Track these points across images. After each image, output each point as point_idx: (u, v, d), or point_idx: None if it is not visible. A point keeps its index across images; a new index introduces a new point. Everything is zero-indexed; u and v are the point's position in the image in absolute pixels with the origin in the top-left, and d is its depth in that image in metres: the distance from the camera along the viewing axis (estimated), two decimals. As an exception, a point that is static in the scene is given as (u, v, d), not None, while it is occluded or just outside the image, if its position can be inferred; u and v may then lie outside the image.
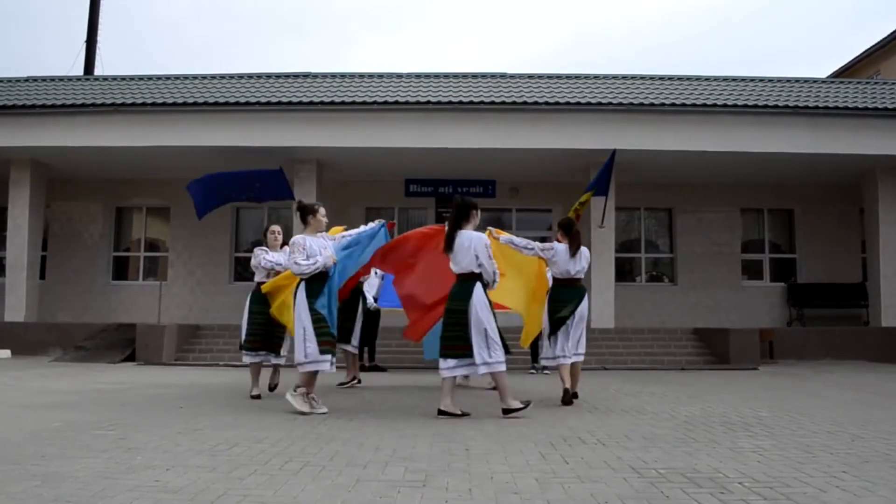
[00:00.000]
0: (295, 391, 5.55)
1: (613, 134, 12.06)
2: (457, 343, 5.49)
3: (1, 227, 14.13)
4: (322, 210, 5.90)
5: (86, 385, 7.80)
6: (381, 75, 13.66)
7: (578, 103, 12.23)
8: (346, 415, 5.47)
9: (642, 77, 13.63)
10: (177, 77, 13.79)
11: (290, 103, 12.23)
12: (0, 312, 13.09)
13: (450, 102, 12.18)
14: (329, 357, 5.56)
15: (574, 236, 6.55)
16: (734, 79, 13.65)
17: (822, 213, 15.00)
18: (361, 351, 9.35)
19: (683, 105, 12.29)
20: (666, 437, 4.65)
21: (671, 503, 3.06)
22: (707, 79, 13.65)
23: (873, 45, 21.53)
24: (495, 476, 3.52)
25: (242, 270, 15.04)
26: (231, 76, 13.75)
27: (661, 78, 13.61)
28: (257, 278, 6.79)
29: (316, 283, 5.63)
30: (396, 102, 12.20)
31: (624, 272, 14.94)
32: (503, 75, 13.82)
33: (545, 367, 9.46)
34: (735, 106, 12.25)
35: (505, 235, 6.57)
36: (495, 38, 75.81)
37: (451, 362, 5.50)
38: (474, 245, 5.51)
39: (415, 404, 6.35)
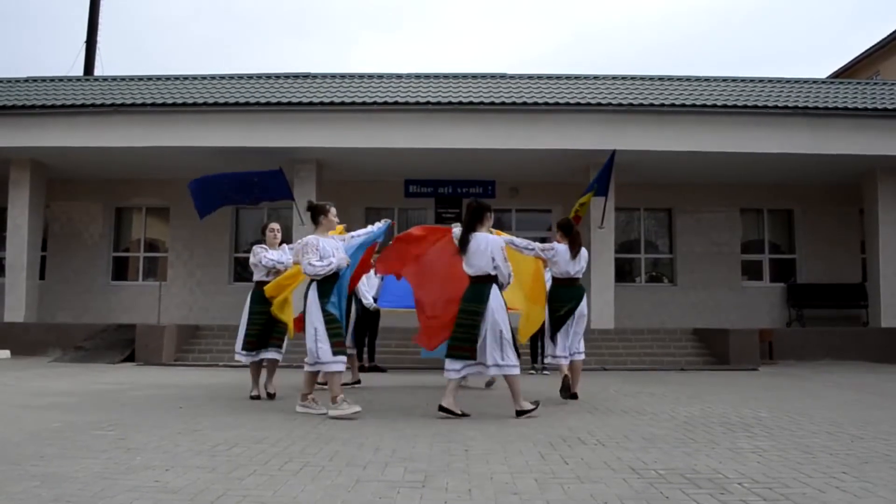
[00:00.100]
0: (333, 404, 5.43)
1: (613, 134, 12.06)
2: (464, 344, 5.50)
3: (1, 228, 14.13)
4: (333, 210, 5.86)
5: (85, 385, 7.80)
6: (380, 75, 13.66)
7: (578, 104, 12.23)
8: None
9: (642, 77, 13.63)
10: (177, 77, 13.78)
11: (290, 103, 12.23)
12: (0, 312, 13.09)
13: (449, 103, 12.18)
14: (342, 358, 5.52)
15: (574, 237, 6.63)
16: (734, 79, 13.65)
17: (821, 213, 15.00)
18: (360, 351, 9.36)
19: (683, 105, 12.29)
20: (665, 437, 4.66)
21: (671, 503, 3.06)
22: (707, 79, 13.66)
23: (873, 46, 21.53)
24: (495, 476, 3.52)
25: (242, 271, 15.04)
26: (231, 76, 13.75)
27: (661, 78, 13.61)
28: (256, 277, 6.72)
29: (327, 283, 5.60)
30: (396, 102, 12.19)
31: (624, 273, 14.94)
32: (503, 75, 13.81)
33: (545, 368, 9.50)
34: (735, 106, 12.25)
35: (505, 236, 6.58)
36: (495, 38, 75.86)
37: (458, 364, 5.51)
38: (491, 247, 5.55)
39: (415, 404, 6.35)
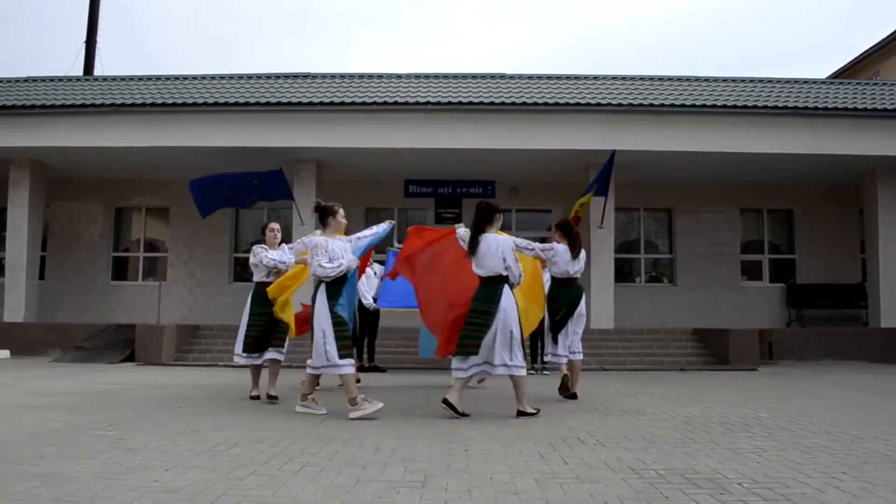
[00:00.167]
0: (352, 406, 5.40)
1: (613, 134, 12.06)
2: (469, 342, 5.52)
3: (1, 227, 14.12)
4: (342, 211, 5.82)
5: (85, 385, 7.80)
6: (380, 75, 13.66)
7: (578, 104, 12.23)
8: (346, 415, 5.46)
9: (642, 77, 13.63)
10: (177, 77, 13.78)
11: (290, 103, 12.23)
12: (0, 312, 13.09)
13: (449, 103, 12.18)
14: (349, 361, 5.47)
15: (574, 238, 6.69)
16: (734, 79, 13.65)
17: (821, 213, 15.00)
18: (360, 351, 9.36)
19: (683, 105, 12.29)
20: (665, 437, 4.66)
21: (670, 503, 3.06)
22: (707, 79, 13.66)
23: (873, 46, 21.53)
24: (495, 476, 3.52)
25: (242, 271, 15.04)
26: (231, 76, 13.75)
27: (661, 78, 13.61)
28: (257, 277, 6.63)
29: (336, 285, 5.56)
30: (396, 103, 12.20)
31: (623, 273, 14.94)
32: (503, 76, 13.82)
33: (545, 368, 9.52)
34: (735, 106, 12.25)
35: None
36: (495, 38, 75.88)
37: (465, 364, 5.52)
38: (502, 248, 5.57)
39: (415, 404, 6.35)
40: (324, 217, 5.78)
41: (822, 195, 14.92)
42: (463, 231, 6.05)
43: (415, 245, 6.58)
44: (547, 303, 6.79)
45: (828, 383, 8.58)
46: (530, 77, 13.68)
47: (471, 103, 12.18)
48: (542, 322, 7.09)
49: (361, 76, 13.65)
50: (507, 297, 5.53)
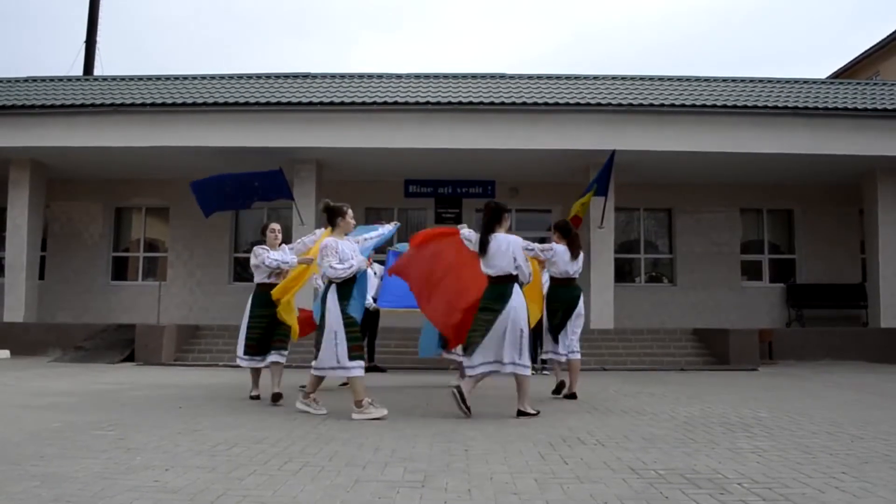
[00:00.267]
0: (358, 408, 5.39)
1: (613, 134, 12.06)
2: (475, 338, 5.58)
3: (1, 228, 14.12)
4: (351, 212, 5.80)
5: (85, 385, 7.80)
6: (380, 75, 13.66)
7: (578, 104, 12.23)
8: (346, 415, 5.46)
9: (642, 77, 13.63)
10: (177, 77, 13.78)
11: (290, 103, 12.23)
12: (0, 312, 13.09)
13: (449, 103, 12.18)
14: (359, 363, 5.44)
15: (573, 239, 6.76)
16: (734, 79, 13.65)
17: (821, 213, 15.00)
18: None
19: (683, 105, 12.29)
20: (665, 437, 4.66)
21: (670, 503, 3.06)
22: (707, 79, 13.66)
23: (873, 46, 21.53)
24: (495, 476, 3.52)
25: (242, 271, 15.04)
26: (231, 76, 13.75)
27: (661, 78, 13.61)
28: (258, 279, 6.56)
29: (346, 286, 5.54)
30: (396, 103, 12.19)
31: (623, 273, 14.94)
32: (503, 76, 13.81)
33: (544, 368, 9.52)
34: (735, 106, 12.24)
35: (476, 235, 6.61)
36: (495, 38, 75.87)
37: (475, 361, 5.55)
38: (512, 247, 5.60)
39: (415, 404, 6.36)
40: (333, 218, 5.73)
41: (822, 195, 14.92)
42: (468, 232, 6.08)
43: (417, 240, 6.60)
44: (546, 303, 6.84)
45: (828, 383, 8.58)
46: (530, 77, 13.68)
47: (471, 103, 12.18)
48: (539, 322, 7.12)
49: (361, 76, 13.65)
50: (518, 297, 5.57)
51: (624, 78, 13.61)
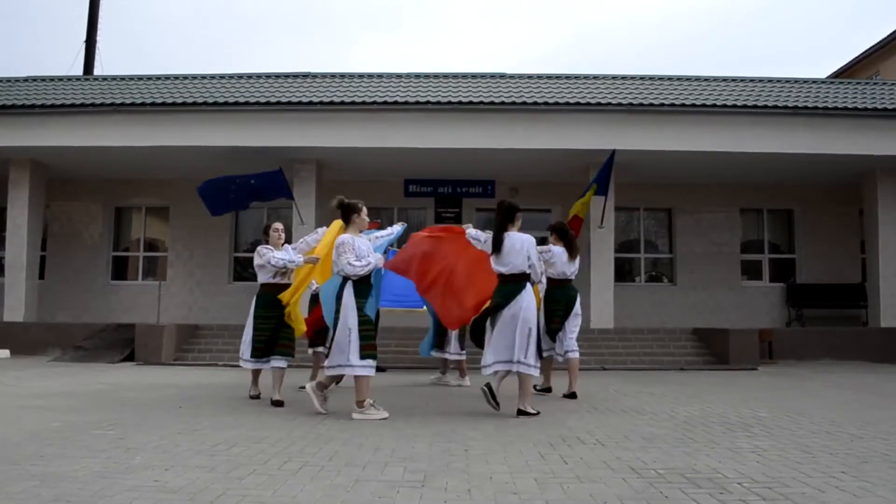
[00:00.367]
0: (359, 408, 5.38)
1: (613, 134, 12.05)
2: (481, 334, 5.68)
3: (0, 227, 14.12)
4: (365, 209, 5.76)
5: (85, 385, 7.80)
6: (380, 75, 13.66)
7: (578, 103, 12.22)
8: (346, 415, 5.46)
9: (642, 77, 13.63)
10: (177, 77, 13.77)
11: (289, 103, 12.22)
12: (0, 312, 13.09)
13: (449, 102, 12.17)
14: (370, 362, 5.42)
15: (570, 240, 6.83)
16: (734, 79, 13.64)
17: (821, 213, 15.00)
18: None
19: (683, 105, 12.28)
20: (665, 437, 4.66)
21: (670, 503, 3.06)
22: (707, 79, 13.65)
23: (873, 46, 21.52)
24: (494, 476, 3.52)
25: (242, 271, 15.05)
26: (231, 76, 13.74)
27: (661, 78, 13.60)
28: (262, 279, 6.39)
29: (363, 283, 5.52)
30: (396, 102, 12.19)
31: (623, 272, 14.94)
32: (502, 75, 13.81)
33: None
34: (735, 106, 12.24)
35: (485, 235, 6.64)
36: (495, 38, 75.88)
37: (489, 360, 5.61)
38: (526, 246, 5.64)
39: (415, 404, 6.36)
40: (348, 214, 5.70)
41: (822, 195, 14.92)
42: (475, 232, 6.11)
43: (417, 237, 6.61)
44: (543, 303, 6.87)
45: (828, 383, 8.58)
46: (530, 77, 13.68)
47: (470, 103, 12.18)
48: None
49: (361, 76, 13.64)
50: (529, 295, 5.61)
51: (624, 78, 13.60)
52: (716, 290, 14.71)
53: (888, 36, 20.78)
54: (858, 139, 12.29)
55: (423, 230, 6.82)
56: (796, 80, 13.76)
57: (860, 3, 60.24)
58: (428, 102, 12.15)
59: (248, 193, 11.53)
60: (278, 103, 12.24)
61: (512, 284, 5.59)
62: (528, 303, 5.56)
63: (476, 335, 5.83)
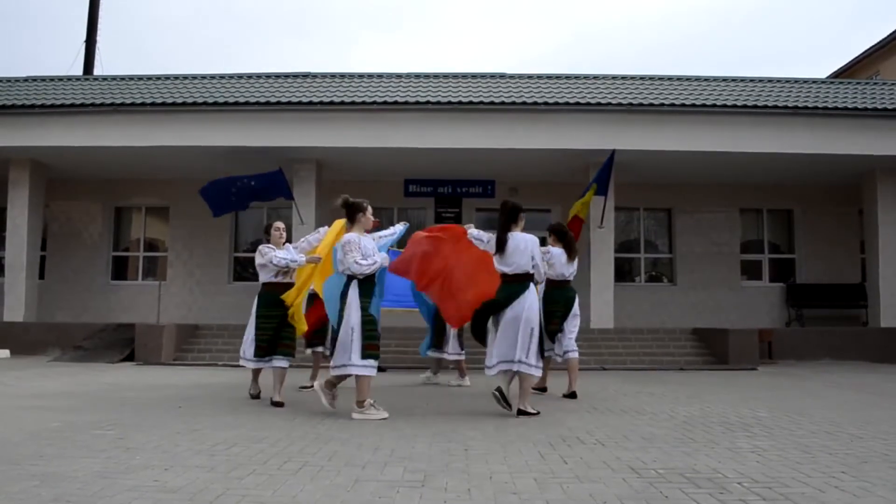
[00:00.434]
0: (359, 407, 5.37)
1: (613, 134, 12.06)
2: (479, 332, 5.67)
3: (0, 227, 14.12)
4: (370, 208, 5.76)
5: (85, 385, 7.80)
6: (380, 75, 13.66)
7: (577, 103, 12.23)
8: (346, 415, 5.46)
9: (642, 77, 13.63)
10: (177, 77, 13.77)
11: (289, 103, 12.22)
12: (0, 312, 13.09)
13: (449, 102, 12.17)
14: (371, 362, 5.40)
15: (569, 242, 6.85)
16: (734, 79, 13.64)
17: (821, 213, 15.00)
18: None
19: (683, 105, 12.28)
20: (665, 437, 4.66)
21: (670, 503, 3.06)
22: (707, 79, 13.65)
23: (873, 46, 21.52)
24: (494, 476, 3.52)
25: (242, 270, 15.05)
26: (231, 76, 13.74)
27: (661, 78, 13.60)
28: (264, 278, 6.34)
29: (367, 282, 5.52)
30: (396, 102, 12.19)
31: (623, 272, 14.94)
32: (502, 75, 13.81)
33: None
34: (734, 106, 12.24)
35: (488, 235, 6.64)
36: (495, 38, 75.88)
37: (493, 361, 5.63)
38: (531, 247, 5.66)
39: (414, 404, 6.36)
40: (353, 213, 5.68)
41: (822, 195, 14.92)
42: (477, 232, 6.12)
43: (417, 237, 6.61)
44: (542, 304, 6.86)
45: (828, 383, 8.58)
46: (530, 77, 13.68)
47: (470, 103, 12.18)
48: None
49: (361, 76, 13.64)
50: (532, 295, 5.62)
51: (624, 78, 13.61)
52: (716, 290, 14.71)
53: (888, 36, 20.79)
54: (858, 139, 12.30)
55: (423, 230, 6.80)
56: (796, 80, 13.76)
57: (860, 3, 60.29)
58: (428, 102, 12.15)
59: (249, 194, 11.56)
60: (278, 103, 12.23)
61: (515, 285, 5.59)
62: (531, 303, 5.57)
63: (477, 331, 5.82)
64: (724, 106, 12.27)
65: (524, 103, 12.19)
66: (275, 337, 6.27)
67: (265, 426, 5.01)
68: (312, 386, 7.46)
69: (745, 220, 15.38)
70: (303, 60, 76.16)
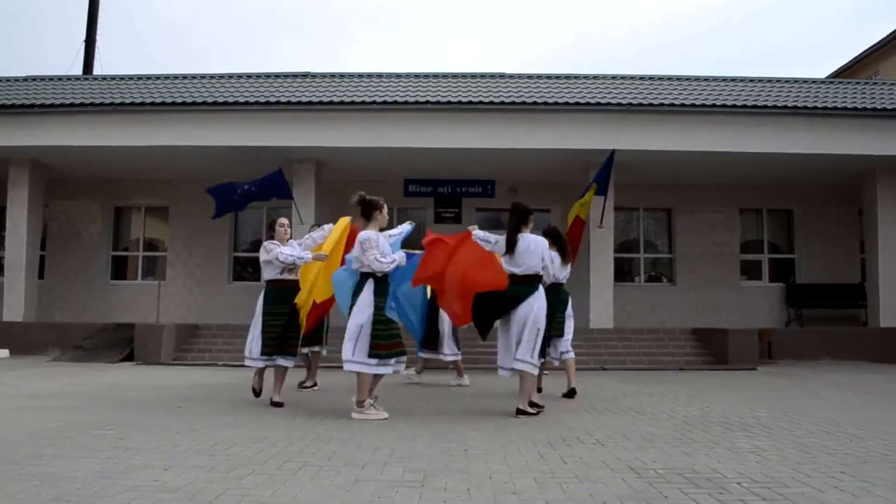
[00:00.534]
0: (358, 407, 5.36)
1: (612, 134, 12.05)
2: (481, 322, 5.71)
3: (0, 227, 14.11)
4: (386, 207, 5.75)
5: (84, 385, 7.80)
6: (380, 75, 13.65)
7: (577, 103, 12.22)
8: (346, 414, 5.46)
9: (642, 77, 13.62)
10: (176, 77, 13.77)
11: (289, 103, 12.22)
12: (-1, 312, 13.10)
13: (449, 102, 12.17)
14: (374, 361, 5.35)
15: (563, 245, 6.89)
16: (734, 79, 13.64)
17: (821, 213, 15.00)
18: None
19: (683, 105, 12.28)
20: (664, 437, 4.66)
21: (669, 503, 3.06)
22: (707, 79, 13.65)
23: (873, 45, 21.53)
24: (494, 476, 3.52)
25: (241, 270, 15.05)
26: (231, 76, 13.73)
27: (661, 78, 13.60)
28: (269, 275, 6.27)
29: (384, 282, 5.50)
30: (396, 102, 12.18)
31: (623, 272, 14.94)
32: (502, 75, 13.81)
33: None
34: (735, 106, 12.24)
35: (495, 237, 6.62)
36: (495, 38, 75.88)
37: (506, 364, 5.66)
38: (540, 247, 5.69)
39: (414, 404, 6.36)
40: (369, 211, 5.66)
41: (822, 195, 14.92)
42: (482, 233, 6.09)
43: (428, 240, 6.58)
44: None
45: (827, 383, 8.58)
46: (530, 77, 13.67)
47: (470, 103, 12.17)
48: None
49: (361, 76, 13.64)
50: (541, 296, 5.63)
51: (624, 78, 13.60)
52: (715, 290, 14.71)
53: (888, 36, 20.79)
54: (858, 139, 12.29)
55: (428, 234, 6.74)
56: (796, 80, 13.76)
57: (860, 3, 60.29)
58: (427, 102, 12.15)
59: (249, 193, 11.57)
60: (278, 103, 12.23)
61: (524, 286, 5.59)
62: (540, 304, 5.58)
63: (480, 322, 5.78)
64: (724, 106, 12.26)
65: (524, 103, 12.19)
66: (283, 335, 6.19)
67: (265, 426, 5.01)
68: (312, 386, 7.49)
69: (744, 220, 15.37)
70: (303, 60, 76.27)
